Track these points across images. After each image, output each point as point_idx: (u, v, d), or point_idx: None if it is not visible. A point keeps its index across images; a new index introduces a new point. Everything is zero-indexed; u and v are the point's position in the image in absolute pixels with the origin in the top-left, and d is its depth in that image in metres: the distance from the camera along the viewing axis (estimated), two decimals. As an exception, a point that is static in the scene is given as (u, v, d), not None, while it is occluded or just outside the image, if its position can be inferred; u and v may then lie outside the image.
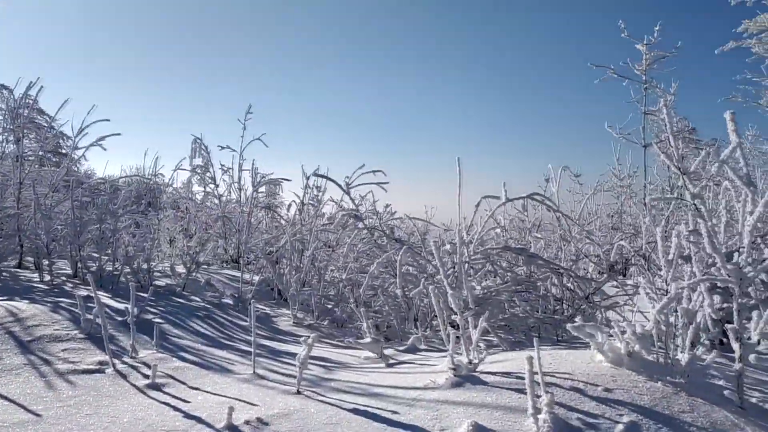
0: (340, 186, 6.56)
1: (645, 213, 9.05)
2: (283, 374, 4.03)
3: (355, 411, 3.14)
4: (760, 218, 3.04)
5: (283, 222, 9.17)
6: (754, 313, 3.23)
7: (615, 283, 5.99)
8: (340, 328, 6.33)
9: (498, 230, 7.47)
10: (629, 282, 6.44)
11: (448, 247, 5.47)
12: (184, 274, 6.95)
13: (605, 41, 33.55)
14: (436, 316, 4.53)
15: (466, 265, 5.32)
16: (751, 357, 3.07)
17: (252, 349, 4.13)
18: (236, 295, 6.71)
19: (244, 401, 3.35)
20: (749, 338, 3.16)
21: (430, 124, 48.92)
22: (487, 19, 47.94)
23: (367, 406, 3.21)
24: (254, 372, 4.02)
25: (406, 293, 5.78)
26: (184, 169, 10.64)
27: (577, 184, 11.04)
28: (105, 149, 7.37)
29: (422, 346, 5.16)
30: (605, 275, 5.84)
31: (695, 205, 3.19)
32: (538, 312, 5.52)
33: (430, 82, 50.63)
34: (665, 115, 3.32)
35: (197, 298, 6.46)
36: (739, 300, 3.13)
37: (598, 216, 10.28)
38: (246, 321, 5.95)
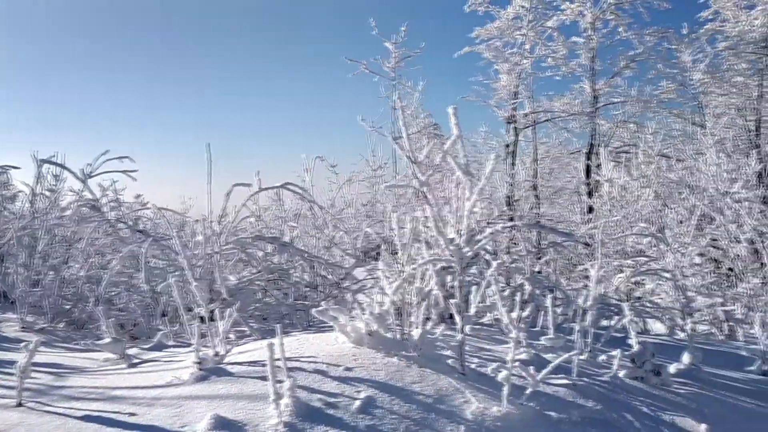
0: (74, 174, 5.98)
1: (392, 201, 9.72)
2: (2, 386, 3.56)
3: (87, 418, 2.89)
4: (475, 203, 3.42)
5: (9, 215, 8.07)
6: (473, 289, 3.64)
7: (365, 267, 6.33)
8: (80, 330, 5.78)
9: (252, 219, 7.42)
10: (380, 266, 6.84)
11: (200, 237, 5.30)
12: None
13: (359, 40, 35.25)
14: (187, 310, 4.35)
15: (218, 255, 5.21)
16: (467, 328, 3.45)
17: (-39, 362, 3.58)
18: (-53, 301, 5.77)
19: (-54, 423, 2.89)
20: (468, 312, 3.55)
21: (193, 114, 46.87)
22: (249, 18, 47.50)
23: (102, 411, 2.97)
24: (-36, 388, 3.48)
25: (153, 288, 5.47)
26: None
27: (333, 173, 11.47)
28: None
29: (171, 343, 4.93)
30: (354, 261, 6.14)
31: (423, 192, 3.49)
32: (290, 299, 5.62)
33: (188, 67, 48.48)
34: (398, 108, 3.57)
35: None
36: (460, 277, 3.49)
37: (350, 205, 10.79)
38: (-41, 330, 5.14)
